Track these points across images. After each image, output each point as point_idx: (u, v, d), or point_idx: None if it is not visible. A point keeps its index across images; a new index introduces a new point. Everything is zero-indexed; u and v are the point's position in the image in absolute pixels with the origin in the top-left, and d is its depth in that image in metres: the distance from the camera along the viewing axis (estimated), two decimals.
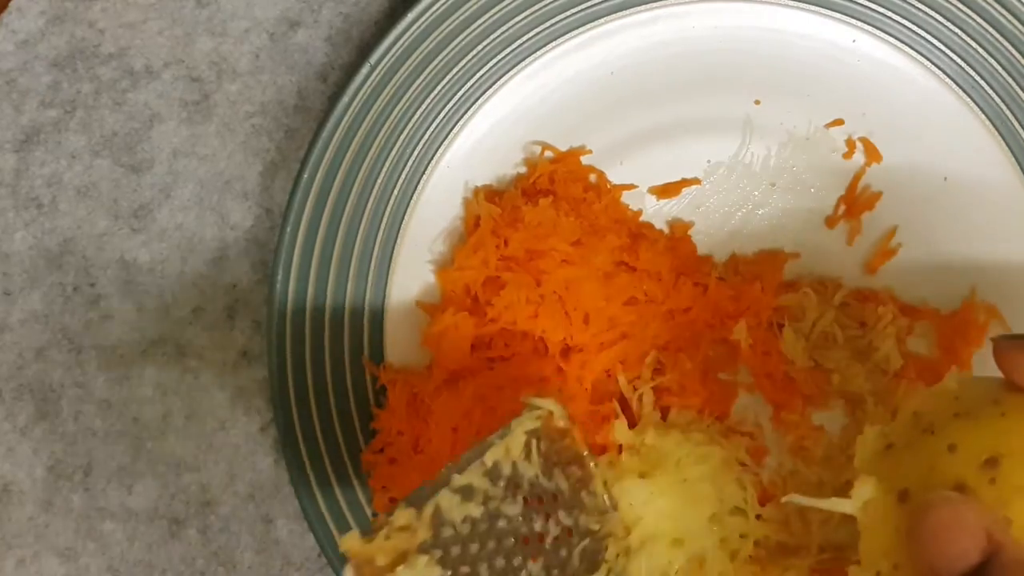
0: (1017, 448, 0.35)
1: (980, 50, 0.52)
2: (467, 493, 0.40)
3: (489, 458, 0.41)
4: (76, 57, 0.56)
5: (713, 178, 0.54)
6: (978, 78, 0.53)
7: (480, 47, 0.52)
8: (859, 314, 0.53)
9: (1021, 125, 0.53)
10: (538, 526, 0.42)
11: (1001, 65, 0.52)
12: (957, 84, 0.53)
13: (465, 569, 0.39)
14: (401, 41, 0.51)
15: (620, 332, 0.52)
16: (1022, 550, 0.32)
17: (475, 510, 0.40)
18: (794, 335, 0.52)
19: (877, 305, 0.52)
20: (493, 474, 0.41)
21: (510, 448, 0.42)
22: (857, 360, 0.52)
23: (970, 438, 0.37)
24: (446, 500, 0.40)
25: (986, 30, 0.52)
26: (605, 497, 0.44)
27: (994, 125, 0.53)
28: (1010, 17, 0.52)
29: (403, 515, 0.39)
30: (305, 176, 0.51)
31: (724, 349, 0.53)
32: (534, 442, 0.42)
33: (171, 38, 0.56)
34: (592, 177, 0.54)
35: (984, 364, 0.52)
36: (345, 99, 0.51)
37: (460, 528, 0.40)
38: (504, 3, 0.52)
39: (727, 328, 0.52)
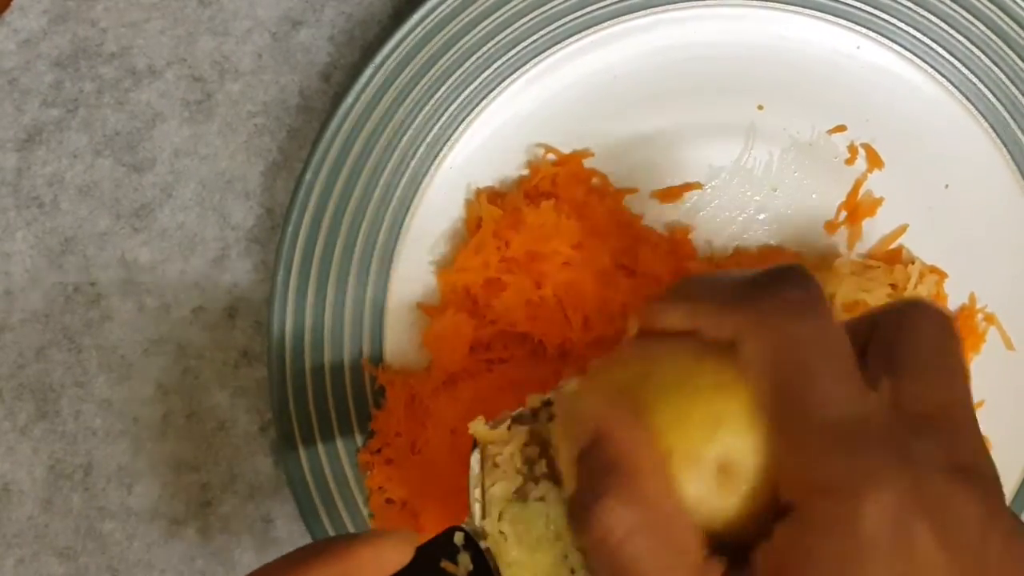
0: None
1: (984, 58, 0.52)
2: None
3: None
4: (78, 56, 0.56)
5: (715, 183, 0.54)
6: (981, 86, 0.53)
7: (484, 50, 0.52)
8: (887, 277, 0.52)
9: (1023, 133, 0.53)
10: None
11: (1005, 73, 0.52)
12: (960, 92, 0.53)
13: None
14: (405, 43, 0.51)
15: (620, 335, 0.52)
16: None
17: None
18: None
19: (906, 264, 0.52)
20: None
21: None
22: None
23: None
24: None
25: (990, 38, 0.52)
26: None
27: (996, 133, 0.53)
28: (1014, 25, 0.52)
29: (532, 399, 0.42)
30: (307, 176, 0.51)
31: None
32: None
33: (173, 37, 0.56)
34: (594, 180, 0.53)
35: (983, 371, 0.52)
36: (348, 100, 0.51)
37: None
38: (508, 6, 0.52)
39: None
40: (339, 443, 0.52)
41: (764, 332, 0.31)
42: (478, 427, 0.41)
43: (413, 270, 0.53)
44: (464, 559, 0.37)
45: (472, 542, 0.38)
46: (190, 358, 0.55)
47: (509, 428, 0.42)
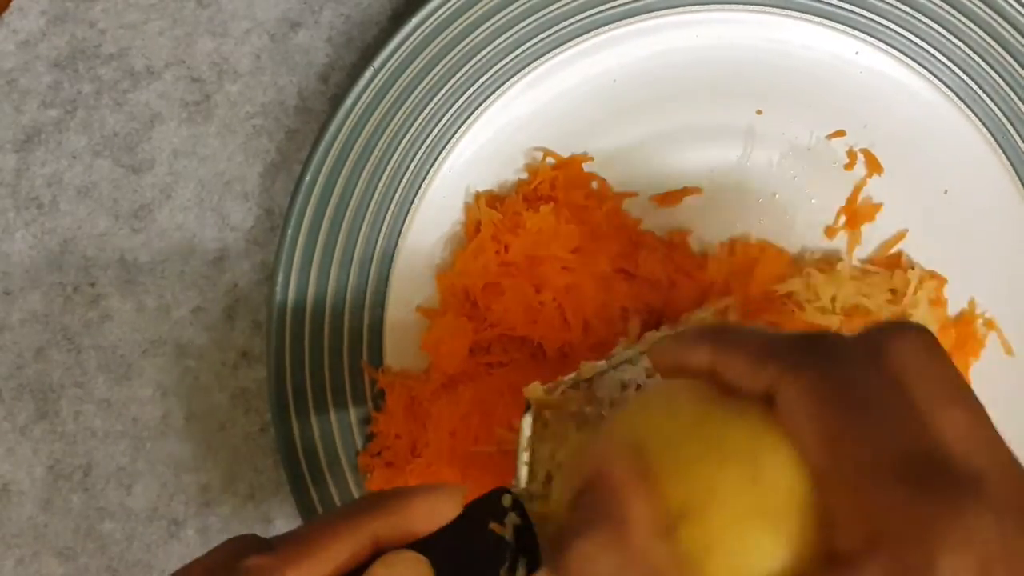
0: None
1: (982, 63, 0.52)
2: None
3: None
4: (77, 57, 0.55)
5: (714, 187, 0.54)
6: (980, 91, 0.53)
7: (483, 53, 0.52)
8: (887, 282, 0.52)
9: (1022, 138, 0.53)
10: None
11: (1003, 78, 0.52)
12: (959, 97, 0.53)
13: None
14: (404, 46, 0.51)
15: (618, 339, 0.52)
16: None
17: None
18: (817, 312, 0.51)
19: (905, 270, 0.52)
20: None
21: None
22: None
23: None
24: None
25: (988, 43, 0.52)
26: None
27: (995, 138, 0.53)
28: (1012, 30, 0.52)
29: (586, 368, 0.44)
30: (307, 179, 0.51)
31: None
32: None
33: (172, 39, 0.56)
34: (593, 184, 0.53)
35: (982, 376, 0.52)
36: (348, 103, 0.51)
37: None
38: (508, 10, 0.52)
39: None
40: (339, 446, 0.52)
41: (805, 375, 0.29)
42: (534, 391, 0.42)
43: (412, 273, 0.53)
44: (512, 519, 0.37)
45: (518, 504, 0.38)
46: (189, 358, 0.55)
47: (563, 394, 0.43)
